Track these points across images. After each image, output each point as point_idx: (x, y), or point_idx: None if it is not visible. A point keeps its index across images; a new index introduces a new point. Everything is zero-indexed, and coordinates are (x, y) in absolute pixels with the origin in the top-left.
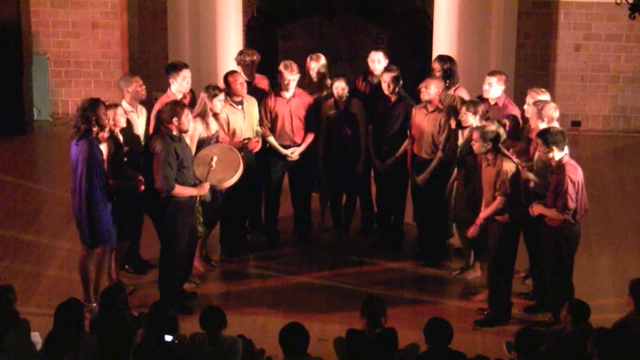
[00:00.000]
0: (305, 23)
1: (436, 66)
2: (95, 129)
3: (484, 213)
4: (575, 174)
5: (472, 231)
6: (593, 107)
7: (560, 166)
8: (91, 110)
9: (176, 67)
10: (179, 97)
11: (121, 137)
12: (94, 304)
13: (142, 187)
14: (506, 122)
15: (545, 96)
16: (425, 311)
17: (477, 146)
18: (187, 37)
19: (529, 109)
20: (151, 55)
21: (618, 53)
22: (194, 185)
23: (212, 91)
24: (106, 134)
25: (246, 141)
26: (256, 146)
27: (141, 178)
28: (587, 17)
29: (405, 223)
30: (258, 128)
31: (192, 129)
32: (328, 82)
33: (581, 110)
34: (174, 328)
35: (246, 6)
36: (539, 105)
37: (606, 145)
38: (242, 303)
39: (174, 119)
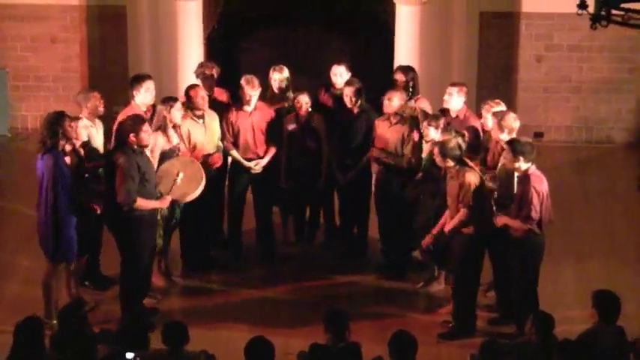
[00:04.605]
0: (267, 36)
1: (399, 77)
2: (62, 142)
3: (448, 225)
4: (541, 184)
5: (427, 240)
6: (555, 118)
7: (526, 176)
8: (58, 123)
9: (139, 79)
10: (143, 109)
11: (82, 151)
12: (54, 321)
13: (98, 212)
14: (465, 133)
15: (500, 107)
16: (389, 324)
17: (438, 160)
18: (147, 49)
19: (487, 122)
20: (111, 68)
21: (580, 64)
22: (156, 198)
23: (168, 102)
24: (68, 147)
25: (207, 157)
26: (217, 162)
27: (96, 206)
28: (549, 28)
29: (369, 236)
30: (220, 143)
31: (153, 142)
32: (290, 95)
33: (543, 121)
34: (145, 344)
35: (207, 18)
36: (499, 115)
37: (569, 155)
38: (205, 318)
39: (132, 135)
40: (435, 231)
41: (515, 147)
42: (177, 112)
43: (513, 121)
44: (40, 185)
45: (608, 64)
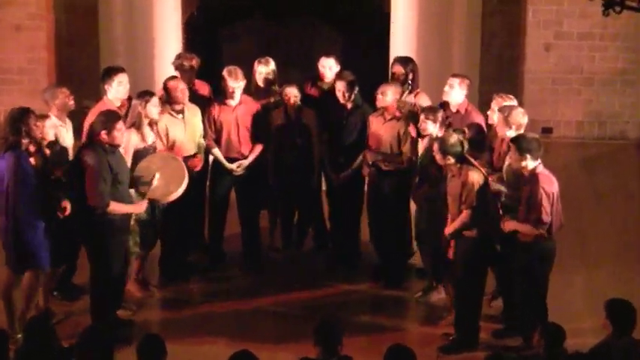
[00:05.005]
0: (251, 24)
1: (397, 69)
2: (25, 141)
3: (449, 228)
4: (550, 185)
5: (451, 253)
6: (565, 112)
7: (533, 176)
8: (22, 120)
9: (111, 72)
10: (117, 104)
11: (47, 151)
12: (19, 335)
13: (67, 213)
14: (465, 130)
15: (511, 103)
16: (385, 337)
17: (438, 157)
18: (121, 39)
19: (493, 116)
20: (82, 59)
21: (592, 53)
22: (130, 202)
23: (144, 96)
24: (32, 147)
25: (186, 159)
26: (197, 165)
27: (65, 204)
28: (558, 14)
29: (363, 242)
30: (202, 141)
31: (126, 141)
32: (277, 89)
33: (552, 116)
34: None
35: (185, 4)
36: (506, 111)
37: (580, 153)
38: (184, 331)
39: (104, 132)
40: (450, 239)
41: (520, 144)
42: (153, 108)
43: (521, 117)
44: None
45: (623, 54)
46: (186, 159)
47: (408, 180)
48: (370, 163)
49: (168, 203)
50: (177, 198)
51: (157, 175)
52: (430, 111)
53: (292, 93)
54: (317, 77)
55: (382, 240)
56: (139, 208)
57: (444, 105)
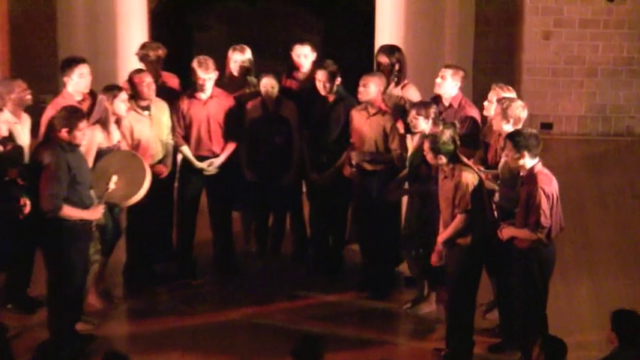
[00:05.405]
0: (224, 10)
1: (382, 59)
2: None
3: (443, 235)
4: (550, 185)
5: (435, 259)
6: (566, 106)
7: (532, 175)
8: None
9: (71, 63)
10: (77, 98)
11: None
12: None
13: (27, 210)
14: (457, 124)
15: (511, 94)
16: (371, 353)
17: (429, 157)
18: (81, 26)
19: (490, 108)
20: (38, 49)
21: (595, 42)
22: (90, 204)
23: (111, 91)
24: None
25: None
26: (164, 172)
27: (25, 200)
28: (558, 0)
29: (346, 248)
30: (170, 141)
31: (89, 139)
32: (252, 79)
33: (552, 110)
34: None
35: None
36: (505, 103)
37: (582, 151)
38: (150, 346)
39: (65, 130)
40: (439, 245)
41: (517, 140)
42: (121, 104)
43: (521, 110)
44: None
45: (629, 42)
46: (150, 167)
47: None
48: (354, 164)
49: (131, 206)
50: (141, 200)
51: (114, 178)
52: (422, 106)
53: (270, 83)
54: (293, 68)
55: (369, 246)
56: (95, 213)
57: (438, 98)
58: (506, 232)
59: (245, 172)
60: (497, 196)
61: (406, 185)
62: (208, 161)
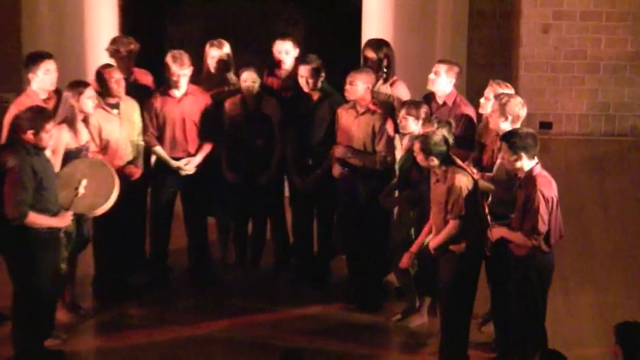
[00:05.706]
0: (199, 3)
1: (370, 54)
2: None
3: (434, 241)
4: (549, 189)
5: (405, 261)
6: (566, 104)
7: (530, 178)
8: None
9: (36, 58)
10: (43, 96)
11: None
12: None
13: None
14: (452, 122)
15: (509, 91)
16: None
17: (420, 158)
18: (47, 20)
19: (487, 105)
20: (1, 45)
21: (597, 35)
22: (57, 209)
23: (77, 87)
24: None
25: (122, 167)
26: (135, 173)
27: None
28: None
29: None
30: (140, 141)
31: (56, 140)
32: (232, 76)
33: (551, 108)
34: None
35: None
36: (503, 98)
37: (584, 152)
38: None
39: (30, 132)
40: (414, 248)
41: (513, 141)
42: (88, 101)
43: (520, 108)
44: None
45: (633, 36)
46: (121, 168)
47: (385, 183)
48: (337, 157)
49: (99, 215)
50: (109, 209)
51: (84, 182)
52: (412, 105)
53: (250, 78)
54: (274, 65)
55: (356, 255)
56: (64, 220)
57: (431, 96)
58: (497, 231)
59: (225, 174)
60: (489, 200)
61: (396, 194)
62: (186, 159)
